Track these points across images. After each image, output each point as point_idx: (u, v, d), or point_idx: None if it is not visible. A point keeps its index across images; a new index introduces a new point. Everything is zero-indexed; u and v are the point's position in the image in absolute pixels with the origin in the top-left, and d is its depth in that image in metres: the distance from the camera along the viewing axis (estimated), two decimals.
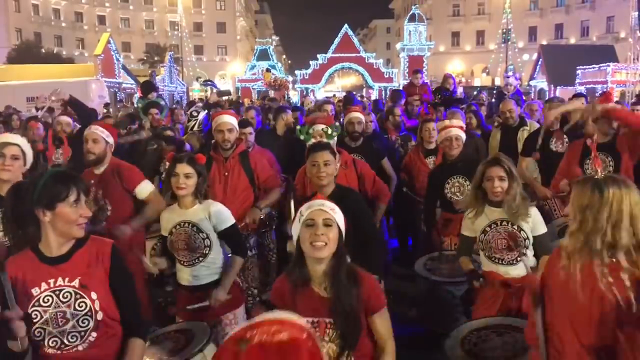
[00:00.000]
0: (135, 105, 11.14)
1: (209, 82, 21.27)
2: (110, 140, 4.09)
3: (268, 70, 29.88)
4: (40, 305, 2.16)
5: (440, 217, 4.69)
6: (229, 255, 3.47)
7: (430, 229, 4.79)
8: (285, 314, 1.23)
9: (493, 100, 15.34)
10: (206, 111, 9.02)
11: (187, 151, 5.69)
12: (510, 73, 13.80)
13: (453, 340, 2.81)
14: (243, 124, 5.26)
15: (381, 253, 3.72)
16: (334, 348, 2.28)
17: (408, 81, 11.87)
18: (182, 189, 3.28)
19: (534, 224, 3.27)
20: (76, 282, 2.19)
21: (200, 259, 3.34)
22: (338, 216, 2.34)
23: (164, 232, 3.44)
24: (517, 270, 3.25)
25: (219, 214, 3.37)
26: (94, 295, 2.19)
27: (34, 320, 2.15)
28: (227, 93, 27.30)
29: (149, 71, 31.01)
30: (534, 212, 3.30)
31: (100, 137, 4.02)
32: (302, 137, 4.62)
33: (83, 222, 2.20)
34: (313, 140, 4.36)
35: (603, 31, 44.96)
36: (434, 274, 3.90)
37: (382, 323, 2.39)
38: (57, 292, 2.18)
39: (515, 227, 3.24)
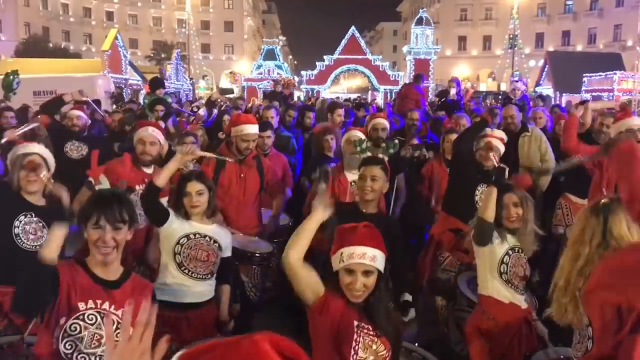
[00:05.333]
0: (142, 102, 11.20)
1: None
2: (162, 139, 4.30)
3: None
4: (83, 320, 2.18)
5: (453, 231, 4.52)
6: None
7: None
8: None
9: (498, 105, 15.30)
10: (204, 108, 9.08)
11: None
12: (517, 78, 13.78)
13: None
14: (263, 126, 5.24)
15: (407, 273, 3.73)
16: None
17: (407, 84, 11.84)
18: (197, 207, 3.30)
19: None
20: (120, 313, 2.19)
21: (209, 276, 3.33)
22: (379, 262, 2.29)
23: (170, 240, 3.30)
24: (523, 301, 3.28)
25: (229, 242, 3.48)
26: (130, 332, 2.21)
27: (71, 333, 2.15)
28: (230, 91, 27.36)
29: (158, 67, 30.98)
30: None
31: (157, 138, 4.21)
32: (357, 149, 4.51)
33: (106, 246, 2.20)
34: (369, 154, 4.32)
35: (610, 39, 44.86)
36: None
37: None
38: (102, 315, 2.20)
39: (525, 255, 3.27)
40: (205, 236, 3.32)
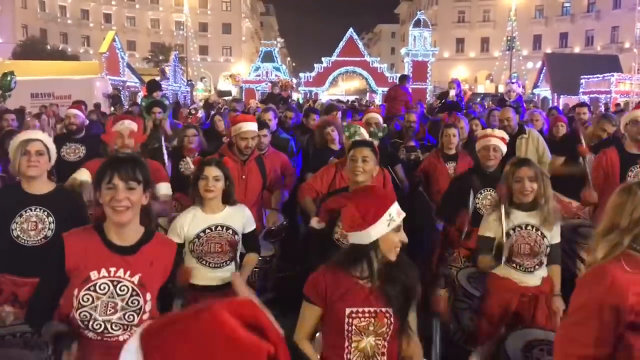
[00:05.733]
0: (140, 104, 11.20)
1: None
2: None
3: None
4: (95, 291, 2.15)
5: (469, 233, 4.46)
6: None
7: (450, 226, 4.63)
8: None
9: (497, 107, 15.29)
10: (202, 110, 9.09)
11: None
12: (514, 80, 13.78)
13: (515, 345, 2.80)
14: (259, 125, 5.28)
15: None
16: (372, 343, 2.29)
17: (394, 85, 11.79)
18: (211, 192, 3.31)
19: (555, 231, 3.27)
20: (136, 279, 2.19)
21: (229, 262, 3.37)
22: None
23: (186, 237, 3.35)
24: (534, 279, 3.25)
25: (250, 218, 3.52)
26: (148, 297, 2.20)
27: (84, 304, 2.14)
28: (228, 94, 27.34)
29: (159, 68, 30.91)
30: (559, 223, 3.31)
31: (134, 130, 4.16)
32: (346, 134, 4.54)
33: (118, 206, 2.14)
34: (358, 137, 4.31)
35: (607, 41, 44.99)
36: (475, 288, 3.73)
37: (413, 316, 2.40)
38: (115, 283, 2.17)
39: (539, 233, 3.21)
40: (216, 227, 3.35)
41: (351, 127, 4.53)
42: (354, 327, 2.27)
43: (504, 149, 4.43)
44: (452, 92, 9.27)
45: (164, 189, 4.20)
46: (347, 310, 2.26)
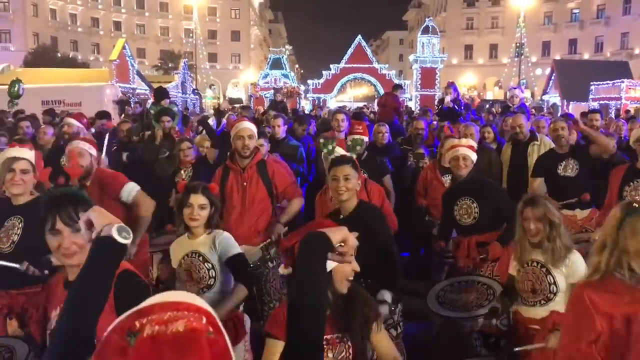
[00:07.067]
0: (149, 110, 11.24)
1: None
2: (94, 152, 4.13)
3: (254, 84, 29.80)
4: (51, 329, 2.13)
5: (454, 240, 4.55)
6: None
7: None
8: (181, 295, 1.05)
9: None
10: (213, 117, 9.08)
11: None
12: (523, 86, 13.64)
13: None
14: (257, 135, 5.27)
15: (397, 272, 3.49)
16: None
17: (387, 92, 11.70)
18: (196, 220, 3.21)
19: (573, 270, 3.08)
20: None
21: (205, 290, 3.20)
22: None
23: (174, 264, 3.38)
24: (538, 313, 3.15)
25: (224, 242, 3.25)
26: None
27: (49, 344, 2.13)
28: (239, 101, 27.36)
29: (180, 81, 30.77)
30: (575, 258, 3.11)
31: (85, 150, 4.07)
32: (324, 151, 4.53)
33: (67, 252, 2.05)
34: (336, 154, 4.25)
35: (617, 47, 44.75)
36: (448, 306, 3.57)
37: (385, 338, 2.39)
38: None
39: (544, 270, 3.12)
40: (192, 254, 3.25)
41: (328, 144, 4.50)
42: None
43: (474, 157, 4.47)
44: (448, 98, 9.05)
45: (133, 188, 3.97)
46: None
